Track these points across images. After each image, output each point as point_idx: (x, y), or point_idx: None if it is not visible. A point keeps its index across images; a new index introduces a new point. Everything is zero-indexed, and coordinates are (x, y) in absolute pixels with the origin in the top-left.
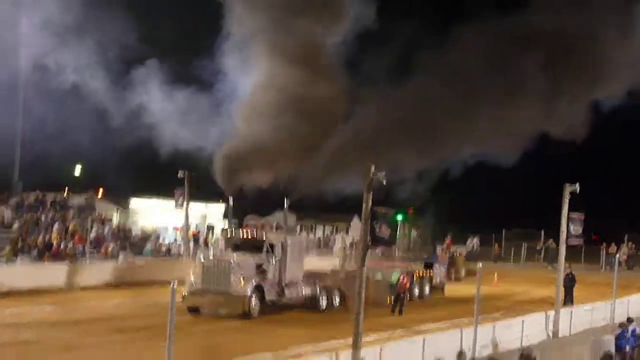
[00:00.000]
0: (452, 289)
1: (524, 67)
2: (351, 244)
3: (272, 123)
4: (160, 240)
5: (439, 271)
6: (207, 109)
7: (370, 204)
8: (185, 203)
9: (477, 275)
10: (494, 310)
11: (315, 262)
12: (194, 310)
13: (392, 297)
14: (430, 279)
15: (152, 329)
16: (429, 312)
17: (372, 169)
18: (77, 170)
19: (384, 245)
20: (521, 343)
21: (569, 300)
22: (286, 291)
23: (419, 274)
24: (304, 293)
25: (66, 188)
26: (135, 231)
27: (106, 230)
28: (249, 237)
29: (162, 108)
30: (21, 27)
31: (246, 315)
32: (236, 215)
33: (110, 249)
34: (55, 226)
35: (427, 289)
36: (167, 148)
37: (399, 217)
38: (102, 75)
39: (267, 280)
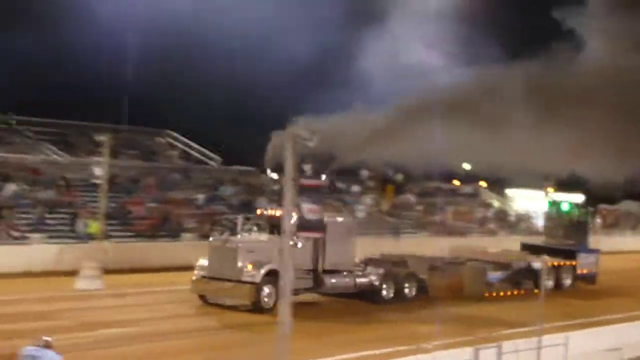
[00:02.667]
0: None
1: None
2: None
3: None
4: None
5: (585, 261)
6: None
7: None
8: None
9: None
10: None
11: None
12: (202, 298)
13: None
14: (573, 269)
15: None
16: None
17: None
18: (466, 166)
19: None
20: None
21: None
22: (326, 279)
23: (552, 263)
24: (356, 282)
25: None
26: (512, 214)
27: (489, 213)
28: (275, 216)
29: None
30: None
31: (257, 306)
32: (593, 204)
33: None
34: (450, 209)
35: (567, 280)
36: None
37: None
38: None
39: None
